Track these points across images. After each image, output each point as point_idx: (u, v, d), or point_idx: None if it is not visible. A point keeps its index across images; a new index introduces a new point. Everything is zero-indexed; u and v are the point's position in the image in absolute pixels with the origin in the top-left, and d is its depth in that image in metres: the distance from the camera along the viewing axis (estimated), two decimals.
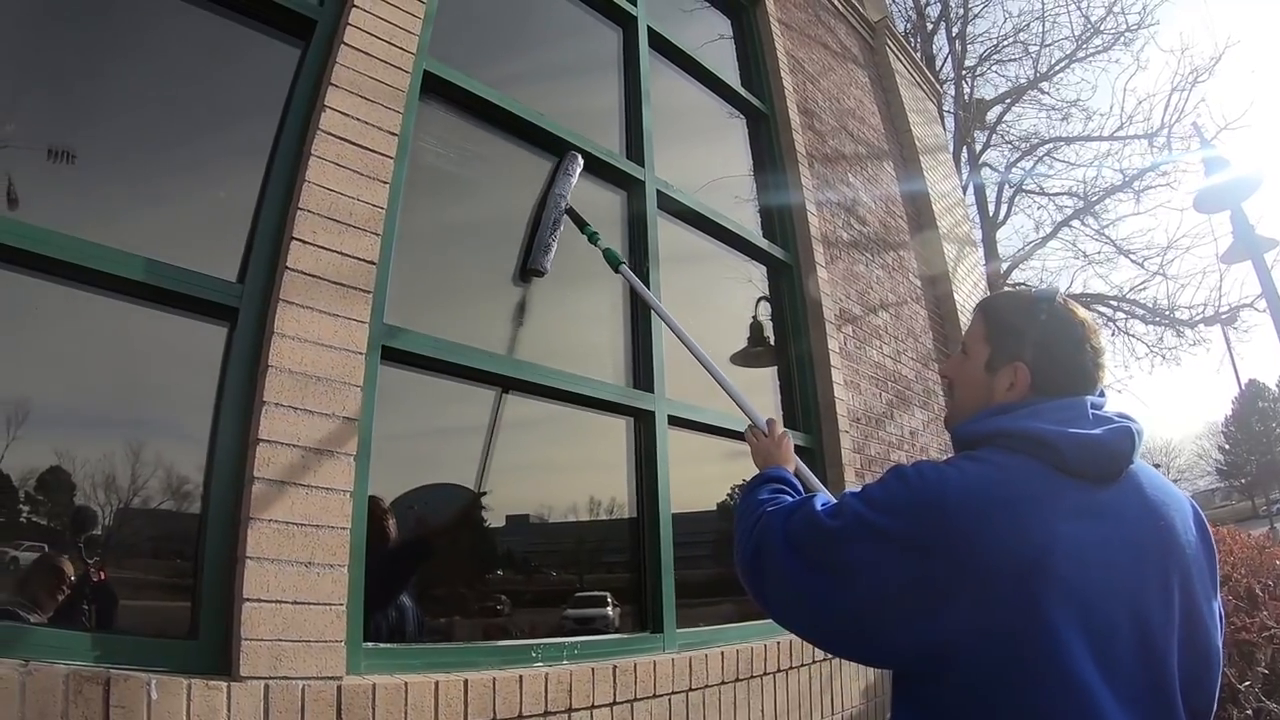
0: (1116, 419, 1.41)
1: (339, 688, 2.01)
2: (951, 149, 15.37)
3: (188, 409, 2.27)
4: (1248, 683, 4.21)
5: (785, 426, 4.38)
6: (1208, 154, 8.62)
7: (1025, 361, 1.50)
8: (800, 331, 4.75)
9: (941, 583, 1.25)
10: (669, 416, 3.53)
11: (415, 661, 2.38)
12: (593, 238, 3.16)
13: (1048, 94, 19.99)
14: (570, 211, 3.23)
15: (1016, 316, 1.56)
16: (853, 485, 4.44)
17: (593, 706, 2.60)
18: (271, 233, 2.38)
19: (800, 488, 1.88)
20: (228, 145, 2.62)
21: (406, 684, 2.14)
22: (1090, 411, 1.42)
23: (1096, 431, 1.37)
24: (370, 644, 2.29)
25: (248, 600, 1.95)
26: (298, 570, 2.05)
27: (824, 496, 1.63)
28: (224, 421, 2.16)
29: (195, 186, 2.53)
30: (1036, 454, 1.35)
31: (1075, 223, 19.28)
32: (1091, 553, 1.26)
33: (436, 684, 2.20)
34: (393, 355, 2.58)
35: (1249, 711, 4.12)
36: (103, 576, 2.03)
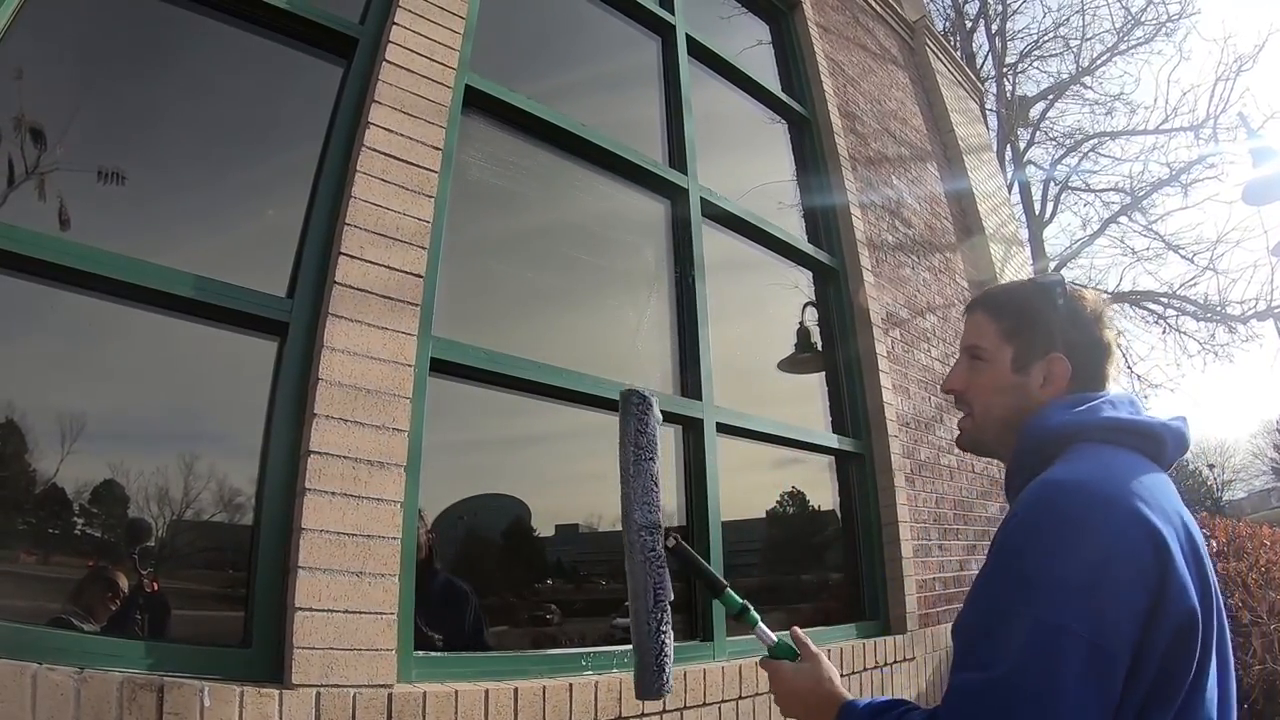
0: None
1: (390, 695, 2.03)
2: (995, 148, 15.21)
3: (240, 422, 2.31)
4: None
5: (835, 433, 4.40)
6: (1254, 144, 8.43)
7: (1060, 352, 1.39)
8: (847, 336, 4.71)
9: None
10: (718, 424, 3.52)
11: (465, 670, 2.39)
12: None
13: (1090, 88, 19.75)
14: (677, 552, 1.64)
15: (1035, 305, 1.44)
16: (903, 490, 4.39)
17: (643, 714, 2.59)
18: (319, 248, 2.41)
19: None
20: (275, 164, 2.67)
21: (457, 692, 2.15)
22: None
23: (1176, 422, 1.31)
24: (421, 652, 2.30)
25: (300, 609, 1.98)
26: (349, 580, 2.08)
27: None
28: (275, 434, 2.20)
29: (244, 204, 2.59)
30: (1139, 448, 1.27)
31: (1123, 219, 19.00)
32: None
33: (486, 692, 2.21)
34: (441, 367, 2.60)
35: None
36: (155, 587, 2.07)
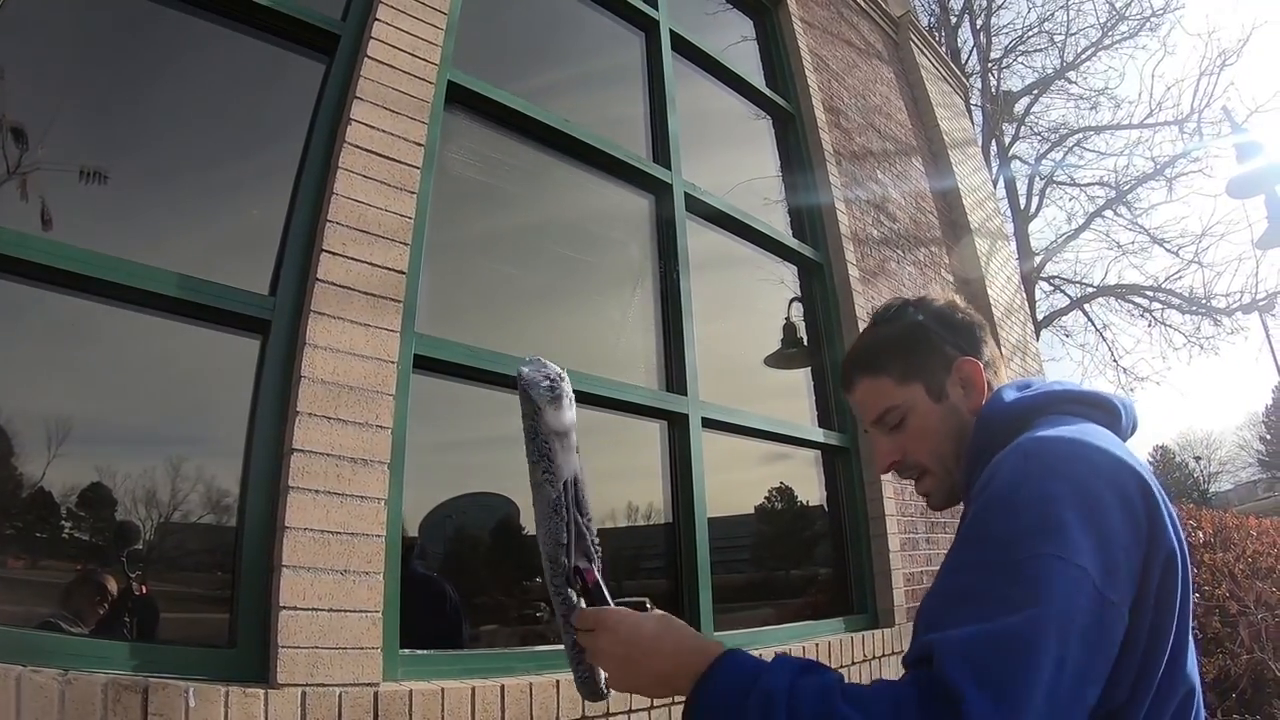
0: None
1: (376, 694, 2.02)
2: (980, 142, 15.25)
3: (223, 421, 2.30)
4: None
5: (821, 427, 4.40)
6: (1239, 139, 8.49)
7: (957, 355, 1.34)
8: (833, 331, 4.72)
9: None
10: (703, 419, 3.52)
11: (451, 667, 2.38)
12: None
13: (1075, 83, 19.88)
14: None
15: (905, 335, 1.37)
16: (889, 483, 4.40)
17: (630, 710, 2.59)
18: (302, 245, 2.40)
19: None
20: (257, 161, 2.66)
21: (443, 690, 2.15)
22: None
23: (1126, 398, 1.29)
24: (406, 650, 2.29)
25: (284, 608, 1.97)
26: (334, 578, 2.07)
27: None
28: (259, 432, 2.18)
29: (226, 202, 2.57)
30: (1099, 420, 1.22)
31: (1108, 213, 19.14)
32: None
33: (473, 690, 2.21)
34: (425, 364, 2.59)
35: None
36: (144, 590, 2.05)
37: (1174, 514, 1.11)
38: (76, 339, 2.17)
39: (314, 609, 2.01)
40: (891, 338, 1.39)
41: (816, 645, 3.45)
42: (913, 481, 1.40)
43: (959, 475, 1.32)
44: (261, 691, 1.86)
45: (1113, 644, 0.96)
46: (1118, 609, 0.96)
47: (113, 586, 2.01)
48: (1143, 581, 1.00)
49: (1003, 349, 1.41)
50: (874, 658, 3.84)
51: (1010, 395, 1.27)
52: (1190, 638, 1.11)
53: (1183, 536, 1.12)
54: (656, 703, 2.59)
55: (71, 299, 2.05)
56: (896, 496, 4.45)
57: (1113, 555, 0.97)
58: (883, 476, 4.36)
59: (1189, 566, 1.11)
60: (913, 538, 4.57)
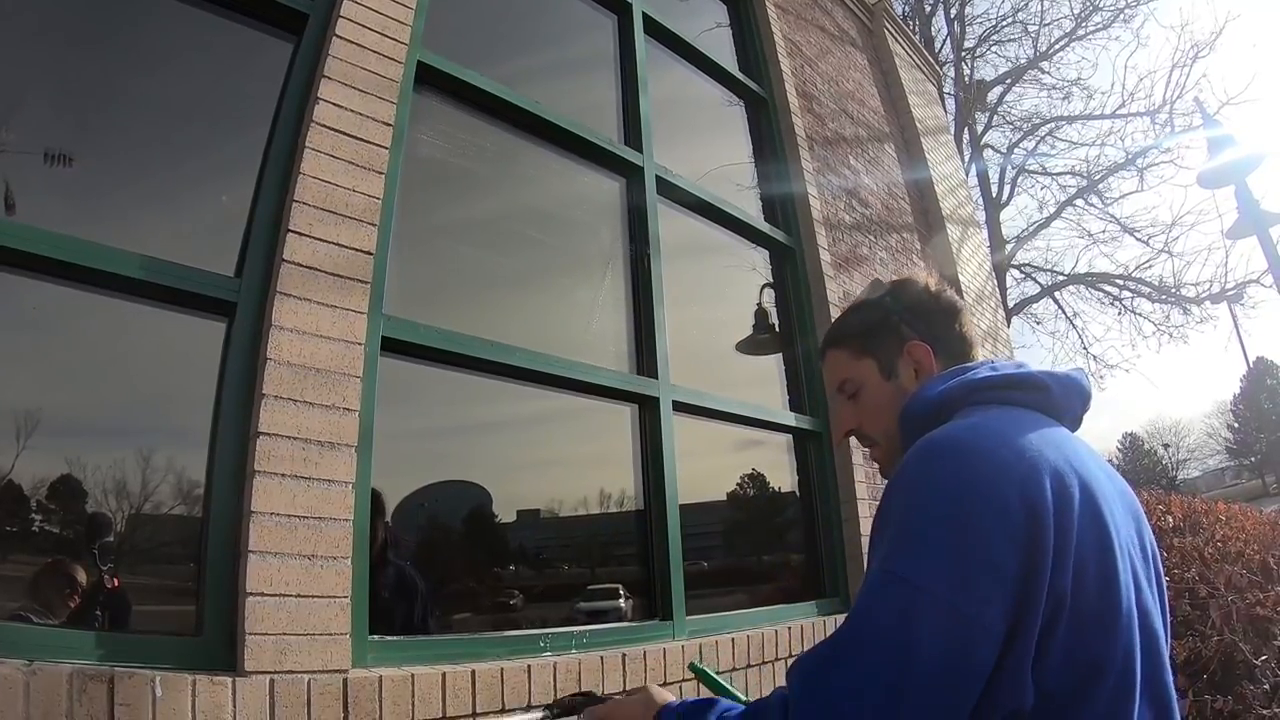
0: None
1: (345, 680, 2.00)
2: (953, 131, 15.32)
3: (188, 405, 2.26)
4: (1264, 658, 4.18)
5: (793, 411, 4.41)
6: (1211, 132, 8.59)
7: (911, 337, 1.40)
8: (805, 316, 4.72)
9: None
10: (674, 403, 3.51)
11: (422, 653, 2.36)
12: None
13: (1048, 73, 20.04)
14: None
15: (864, 314, 1.47)
16: (861, 468, 4.42)
17: (604, 697, 2.57)
18: (268, 226, 2.36)
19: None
20: (223, 141, 2.61)
21: (413, 675, 2.13)
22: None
23: (1070, 372, 1.30)
24: (376, 636, 2.27)
25: (251, 595, 1.94)
26: (301, 564, 2.04)
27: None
28: (224, 416, 2.15)
29: (191, 183, 2.52)
30: (1029, 403, 1.24)
31: (1079, 202, 19.33)
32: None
33: (444, 675, 2.19)
34: (393, 346, 2.56)
35: (1266, 686, 4.09)
36: (116, 583, 2.02)
37: (1104, 503, 1.11)
38: (36, 325, 2.11)
39: (281, 595, 1.99)
40: (856, 317, 1.49)
41: (789, 629, 3.46)
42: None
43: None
44: (229, 679, 1.83)
45: (965, 654, 0.98)
46: (976, 620, 0.98)
47: (83, 578, 1.98)
48: (1028, 582, 1.00)
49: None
50: None
51: (933, 388, 1.31)
52: (1144, 621, 1.11)
53: (1121, 526, 1.12)
54: (608, 691, 2.59)
55: (31, 282, 2.00)
56: (868, 480, 4.47)
57: (971, 566, 1.00)
58: (854, 461, 4.38)
59: (1127, 554, 1.11)
60: None
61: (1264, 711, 3.97)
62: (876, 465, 1.50)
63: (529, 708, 1.58)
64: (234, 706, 1.82)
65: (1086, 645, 1.03)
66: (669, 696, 1.38)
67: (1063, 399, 1.26)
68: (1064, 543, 1.03)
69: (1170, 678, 1.15)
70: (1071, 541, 1.04)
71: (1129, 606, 1.08)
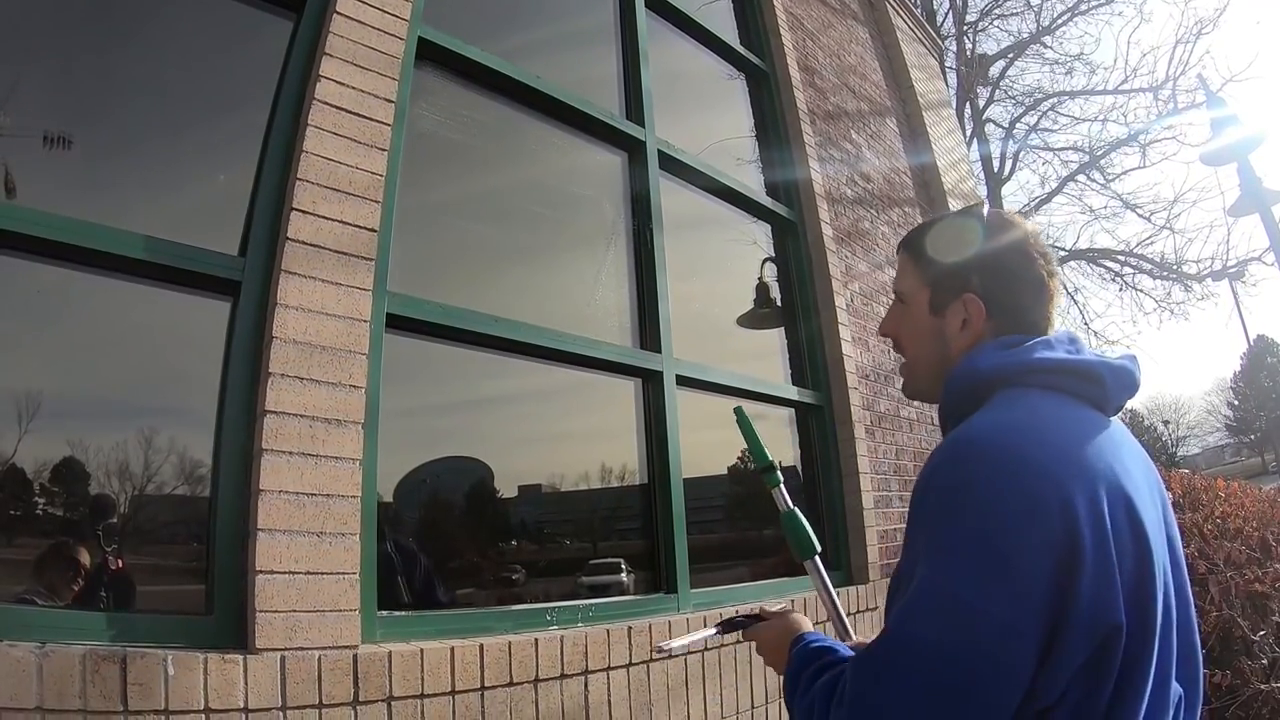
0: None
1: (355, 656, 2.02)
2: (954, 105, 15.24)
3: (194, 385, 2.27)
4: (1262, 633, 4.21)
5: (795, 385, 4.41)
6: (1215, 110, 8.56)
7: (974, 291, 1.31)
8: (806, 290, 4.72)
9: None
10: (678, 376, 3.51)
11: (430, 628, 2.38)
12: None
13: (1050, 48, 19.88)
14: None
15: (949, 242, 1.36)
16: (863, 441, 4.43)
17: (609, 668, 2.60)
18: (271, 204, 2.35)
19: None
20: (225, 119, 2.59)
21: (422, 650, 2.15)
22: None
23: (1122, 361, 1.25)
24: (385, 612, 2.29)
25: (260, 573, 1.95)
26: (310, 541, 2.05)
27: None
28: (231, 395, 2.15)
29: (194, 162, 2.52)
30: (1077, 391, 1.21)
31: (1081, 177, 19.24)
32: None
33: (452, 649, 2.21)
34: (398, 323, 2.56)
35: (1264, 661, 4.13)
36: (120, 564, 2.03)
37: (1143, 511, 1.10)
38: (42, 306, 2.11)
39: (290, 573, 2.00)
40: (940, 236, 1.40)
41: (792, 602, 3.48)
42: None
43: (940, 412, 1.37)
44: (240, 657, 1.85)
45: (994, 659, 1.00)
46: (1011, 625, 1.00)
47: (87, 560, 1.99)
48: (1064, 587, 1.01)
49: None
50: (848, 614, 3.87)
51: (985, 360, 1.27)
52: (1182, 636, 1.14)
53: (1154, 533, 1.11)
54: (614, 663, 2.62)
55: (36, 265, 2.00)
56: (870, 454, 4.48)
57: (1006, 572, 1.01)
58: (856, 435, 4.39)
59: (1162, 566, 1.12)
60: (886, 495, 4.61)
61: (1262, 686, 4.00)
62: (880, 433, 1.54)
63: (705, 625, 1.86)
64: (245, 684, 1.83)
65: (1118, 650, 1.04)
66: (806, 626, 1.51)
67: (1114, 391, 1.22)
68: (1103, 554, 1.03)
69: (1200, 659, 1.19)
70: (1111, 554, 1.04)
71: (1165, 615, 1.09)
